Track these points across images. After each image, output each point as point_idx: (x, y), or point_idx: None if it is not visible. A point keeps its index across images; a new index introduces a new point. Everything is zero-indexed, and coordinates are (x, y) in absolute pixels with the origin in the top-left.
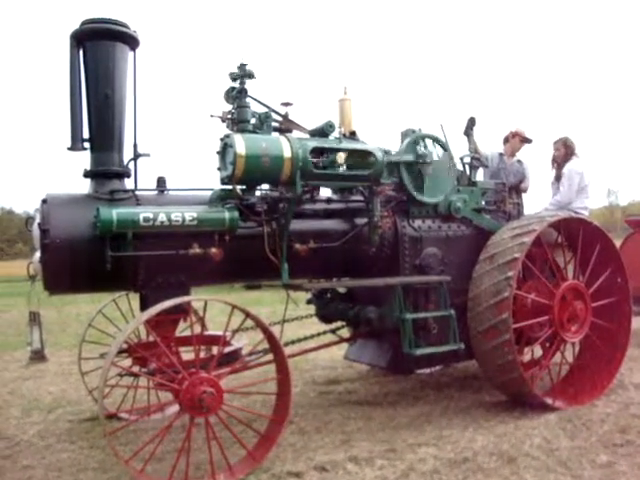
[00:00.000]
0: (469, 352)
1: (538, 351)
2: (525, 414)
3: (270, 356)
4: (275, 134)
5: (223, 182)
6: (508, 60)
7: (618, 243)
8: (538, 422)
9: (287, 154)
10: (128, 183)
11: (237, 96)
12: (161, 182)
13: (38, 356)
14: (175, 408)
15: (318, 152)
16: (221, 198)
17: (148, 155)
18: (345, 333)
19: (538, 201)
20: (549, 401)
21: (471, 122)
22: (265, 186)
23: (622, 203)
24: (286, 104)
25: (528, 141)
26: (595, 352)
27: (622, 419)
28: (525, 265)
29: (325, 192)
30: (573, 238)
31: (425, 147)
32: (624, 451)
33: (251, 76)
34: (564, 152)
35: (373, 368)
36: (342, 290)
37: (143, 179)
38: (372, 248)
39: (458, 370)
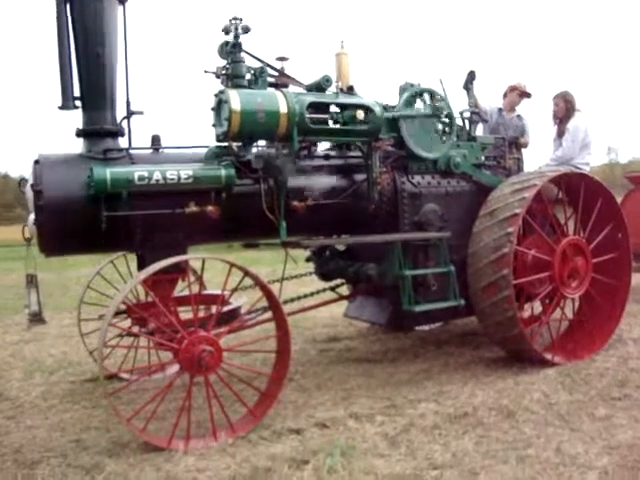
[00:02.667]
0: (469, 309)
1: (538, 307)
2: (524, 370)
3: (269, 314)
4: (271, 89)
5: (218, 139)
6: (509, 13)
7: (619, 200)
8: (537, 377)
9: (283, 109)
10: (122, 142)
11: (231, 51)
12: (155, 140)
13: (36, 319)
14: (175, 367)
15: (315, 107)
16: (217, 155)
17: (142, 113)
18: (345, 291)
19: (538, 156)
20: (548, 357)
21: (471, 76)
22: (262, 142)
23: (622, 161)
24: (282, 59)
25: (527, 95)
26: (595, 308)
27: (620, 373)
28: (525, 221)
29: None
30: (574, 194)
31: (424, 102)
32: (622, 404)
33: (246, 30)
34: (564, 107)
35: (373, 325)
36: (341, 247)
37: (137, 138)
38: (371, 205)
39: (457, 327)
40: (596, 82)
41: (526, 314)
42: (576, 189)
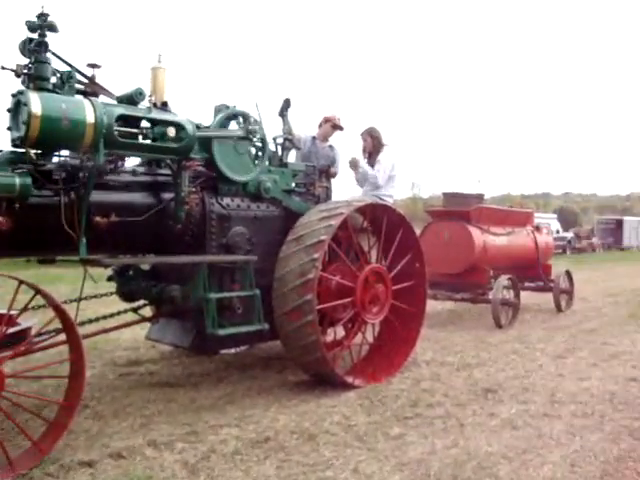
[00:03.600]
0: (274, 332)
1: (341, 332)
2: (326, 393)
3: (63, 336)
4: (78, 97)
5: (14, 144)
6: (324, 44)
7: (419, 232)
8: (338, 400)
9: (90, 119)
10: None
11: (36, 49)
12: None
13: None
14: None
15: (125, 120)
16: (11, 162)
17: None
18: (148, 312)
19: (347, 186)
20: (349, 380)
21: (286, 103)
22: (65, 152)
23: (424, 196)
24: (93, 66)
25: (339, 128)
26: (393, 332)
27: (413, 394)
28: (331, 247)
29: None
30: (378, 224)
31: (239, 124)
32: (414, 423)
33: (53, 28)
34: (371, 142)
35: (176, 348)
36: (145, 267)
37: None
38: (178, 225)
39: (262, 350)
40: (404, 119)
41: (329, 338)
42: (380, 219)
